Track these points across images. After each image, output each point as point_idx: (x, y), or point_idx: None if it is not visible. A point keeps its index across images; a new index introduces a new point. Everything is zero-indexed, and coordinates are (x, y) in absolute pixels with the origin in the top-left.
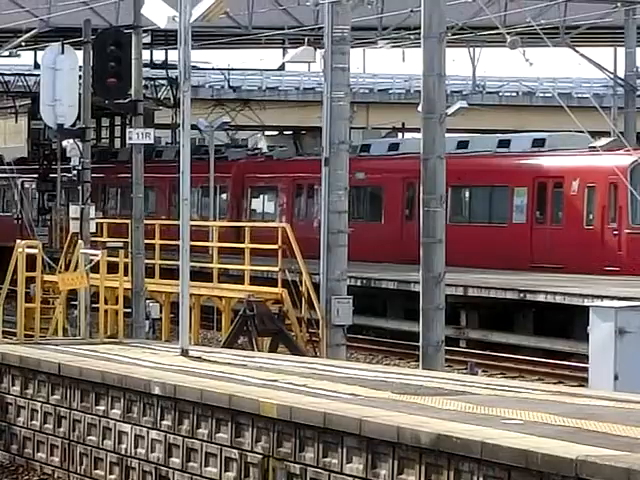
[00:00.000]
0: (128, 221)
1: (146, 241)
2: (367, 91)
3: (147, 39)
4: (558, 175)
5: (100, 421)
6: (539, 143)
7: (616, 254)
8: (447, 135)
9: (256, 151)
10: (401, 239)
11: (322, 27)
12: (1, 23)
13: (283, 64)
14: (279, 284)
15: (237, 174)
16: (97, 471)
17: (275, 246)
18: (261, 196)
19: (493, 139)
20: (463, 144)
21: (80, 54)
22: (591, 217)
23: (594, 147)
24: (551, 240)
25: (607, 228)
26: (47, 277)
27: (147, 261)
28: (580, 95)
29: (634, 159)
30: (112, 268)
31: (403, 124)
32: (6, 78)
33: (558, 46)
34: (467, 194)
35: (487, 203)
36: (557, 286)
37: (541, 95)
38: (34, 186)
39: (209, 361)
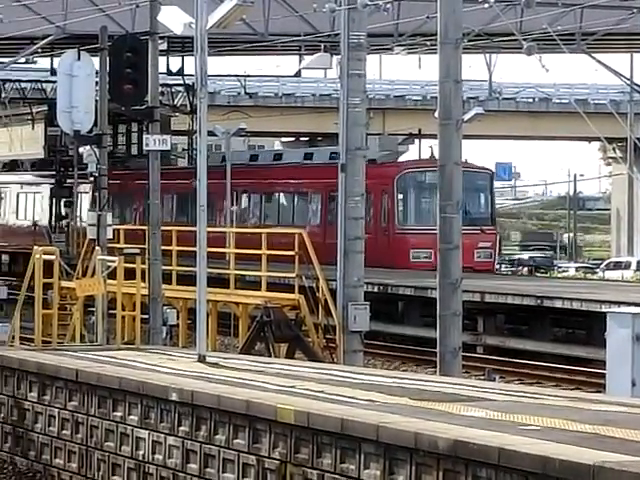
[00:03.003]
0: (145, 227)
1: (163, 247)
2: (383, 97)
3: (163, 46)
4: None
5: (118, 427)
6: (335, 156)
7: (387, 251)
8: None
9: None
10: None
11: (338, 34)
12: (17, 30)
13: (299, 71)
14: (296, 290)
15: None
16: (115, 477)
17: (292, 252)
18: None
19: (300, 152)
20: (278, 156)
21: (96, 60)
22: (368, 220)
23: (373, 160)
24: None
25: (380, 229)
26: (64, 283)
27: (164, 267)
28: (597, 101)
29: (400, 170)
30: (129, 274)
31: (420, 130)
32: (23, 85)
33: (574, 52)
34: (277, 200)
35: (291, 208)
36: (574, 292)
37: (557, 101)
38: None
39: (226, 367)
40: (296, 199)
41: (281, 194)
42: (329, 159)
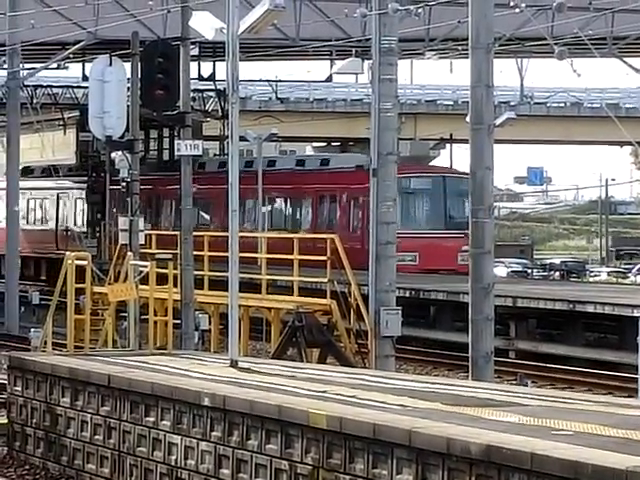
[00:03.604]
0: (177, 233)
1: (195, 253)
2: (415, 102)
3: (195, 51)
4: (333, 189)
5: (150, 432)
6: (325, 162)
7: None
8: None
9: None
10: None
11: (369, 38)
12: (49, 36)
13: (331, 75)
14: (328, 295)
15: None
16: None
17: (323, 257)
18: None
19: (293, 159)
20: (272, 163)
21: (128, 66)
22: (356, 223)
23: (361, 166)
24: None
25: (367, 232)
26: (96, 288)
27: (196, 272)
28: (628, 105)
29: None
30: (161, 280)
31: (451, 135)
32: (54, 90)
33: (606, 57)
34: (272, 205)
35: (284, 212)
36: (607, 297)
37: (589, 106)
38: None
39: (258, 372)
40: (288, 204)
41: (275, 199)
42: (320, 165)
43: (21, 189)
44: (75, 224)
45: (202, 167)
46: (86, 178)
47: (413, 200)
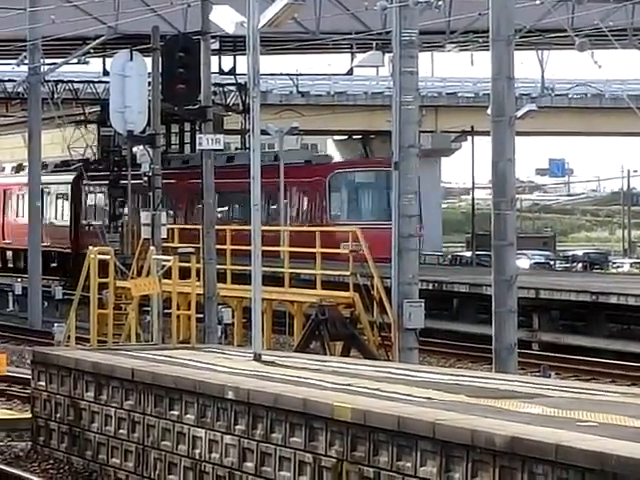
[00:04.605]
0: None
1: (217, 246)
2: (436, 94)
3: (215, 45)
4: (284, 182)
5: (174, 426)
6: (276, 158)
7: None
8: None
9: None
10: None
11: (390, 31)
12: (69, 31)
13: (351, 69)
14: (350, 288)
15: None
16: (171, 476)
17: (346, 250)
18: None
19: (247, 155)
20: (231, 159)
21: (149, 61)
22: (305, 215)
23: (309, 160)
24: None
25: (314, 224)
26: (119, 283)
27: (219, 266)
28: None
29: (332, 170)
30: (184, 274)
31: (472, 127)
32: (75, 85)
33: (626, 48)
34: (228, 199)
35: (236, 206)
36: (630, 288)
37: (610, 97)
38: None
39: (282, 365)
40: (242, 198)
41: (230, 193)
42: (274, 160)
43: (16, 184)
44: (56, 218)
45: (169, 163)
46: (72, 174)
47: (357, 193)
